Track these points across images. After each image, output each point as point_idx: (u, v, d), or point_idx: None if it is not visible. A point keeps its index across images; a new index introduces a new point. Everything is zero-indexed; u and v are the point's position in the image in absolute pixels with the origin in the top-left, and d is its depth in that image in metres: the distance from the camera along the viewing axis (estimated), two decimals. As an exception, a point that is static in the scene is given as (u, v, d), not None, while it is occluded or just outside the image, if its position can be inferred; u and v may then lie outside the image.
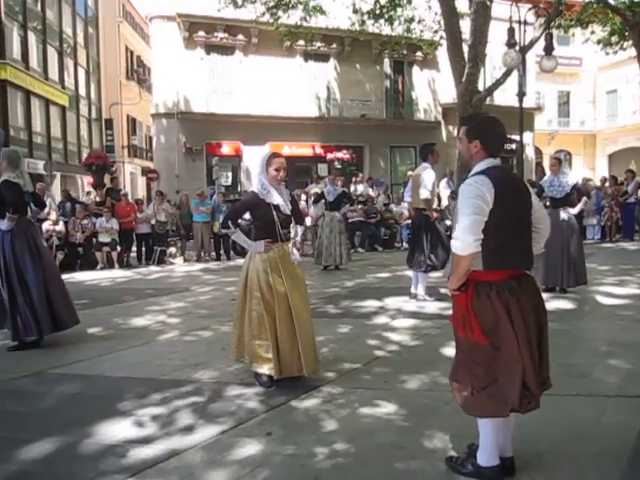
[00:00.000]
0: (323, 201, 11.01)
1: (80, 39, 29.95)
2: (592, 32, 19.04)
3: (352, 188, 15.81)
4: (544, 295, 6.72)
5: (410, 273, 7.65)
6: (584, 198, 7.63)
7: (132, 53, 36.55)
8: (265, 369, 4.10)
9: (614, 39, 19.34)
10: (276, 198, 4.21)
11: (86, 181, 24.86)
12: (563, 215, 7.24)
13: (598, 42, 19.86)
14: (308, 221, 12.58)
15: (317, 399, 3.92)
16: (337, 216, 10.86)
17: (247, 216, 4.59)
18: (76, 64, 29.12)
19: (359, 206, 14.97)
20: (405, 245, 14.76)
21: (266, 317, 4.08)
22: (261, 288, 4.12)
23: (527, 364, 2.62)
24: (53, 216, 12.02)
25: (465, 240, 2.59)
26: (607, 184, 15.69)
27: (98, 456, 3.17)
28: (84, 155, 23.57)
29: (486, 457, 2.74)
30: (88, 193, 18.50)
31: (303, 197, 14.77)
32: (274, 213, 4.19)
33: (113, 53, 33.49)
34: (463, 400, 2.76)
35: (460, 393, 2.77)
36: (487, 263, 2.67)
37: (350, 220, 14.11)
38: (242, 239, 4.30)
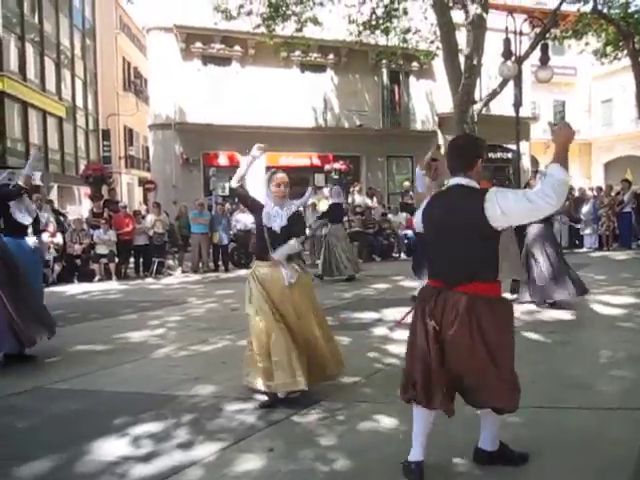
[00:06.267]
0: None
1: (77, 50, 30.04)
2: (587, 43, 19.18)
3: (349, 198, 15.82)
4: (538, 308, 6.68)
5: (415, 284, 7.67)
6: (566, 202, 7.65)
7: (129, 64, 36.66)
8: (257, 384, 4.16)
9: (609, 49, 19.50)
10: (267, 219, 4.21)
11: (83, 192, 24.85)
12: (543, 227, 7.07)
13: (594, 53, 20.02)
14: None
15: (318, 414, 3.89)
16: (341, 227, 11.38)
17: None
18: (73, 75, 29.18)
19: (357, 216, 14.97)
20: (403, 255, 14.78)
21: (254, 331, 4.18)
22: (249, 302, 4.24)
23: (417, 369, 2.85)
24: (51, 228, 12.03)
25: None
26: (602, 193, 15.75)
27: (97, 474, 3.13)
28: (81, 166, 23.61)
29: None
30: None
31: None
32: (264, 229, 4.23)
33: (110, 64, 33.59)
34: None
35: None
36: None
37: (348, 231, 14.12)
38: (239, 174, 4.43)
